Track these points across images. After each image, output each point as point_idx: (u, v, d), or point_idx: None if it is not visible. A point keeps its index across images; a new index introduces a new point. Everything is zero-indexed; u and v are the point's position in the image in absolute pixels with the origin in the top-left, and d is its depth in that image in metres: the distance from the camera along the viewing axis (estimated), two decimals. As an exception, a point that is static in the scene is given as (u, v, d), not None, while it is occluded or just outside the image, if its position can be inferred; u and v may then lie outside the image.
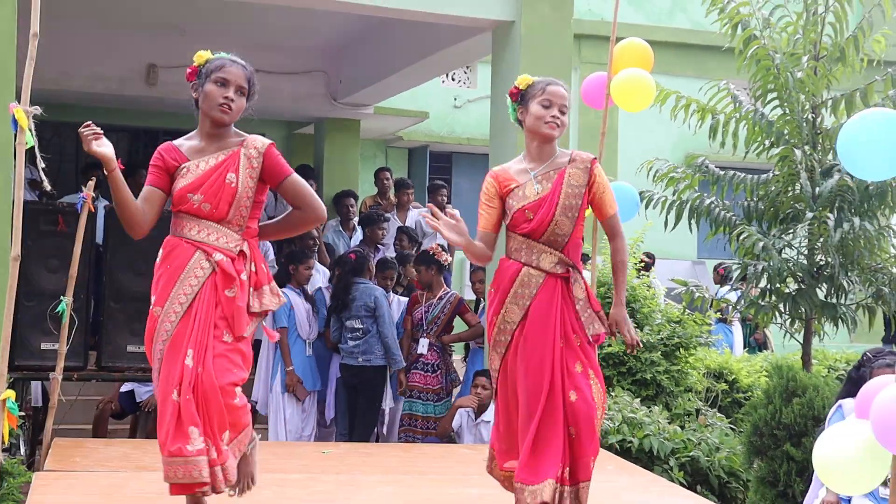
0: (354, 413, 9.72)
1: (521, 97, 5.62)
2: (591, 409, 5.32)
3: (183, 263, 5.05)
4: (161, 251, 5.17)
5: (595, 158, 5.64)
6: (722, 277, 13.94)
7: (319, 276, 10.52)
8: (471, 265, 13.66)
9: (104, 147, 4.98)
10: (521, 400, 5.36)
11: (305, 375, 9.66)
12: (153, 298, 5.09)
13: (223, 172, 5.10)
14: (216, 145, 5.17)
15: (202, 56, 5.20)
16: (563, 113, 5.54)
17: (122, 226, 8.47)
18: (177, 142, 5.21)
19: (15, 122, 5.43)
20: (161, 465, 4.98)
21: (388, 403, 9.82)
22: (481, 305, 10.51)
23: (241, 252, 5.14)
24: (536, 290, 5.40)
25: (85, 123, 5.03)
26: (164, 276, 5.09)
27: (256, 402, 9.63)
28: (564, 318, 5.41)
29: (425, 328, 9.93)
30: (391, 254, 11.86)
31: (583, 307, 5.45)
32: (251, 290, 5.16)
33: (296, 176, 5.24)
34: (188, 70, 5.22)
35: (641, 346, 5.47)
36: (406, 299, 10.41)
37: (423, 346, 9.87)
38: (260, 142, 5.20)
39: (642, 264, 11.46)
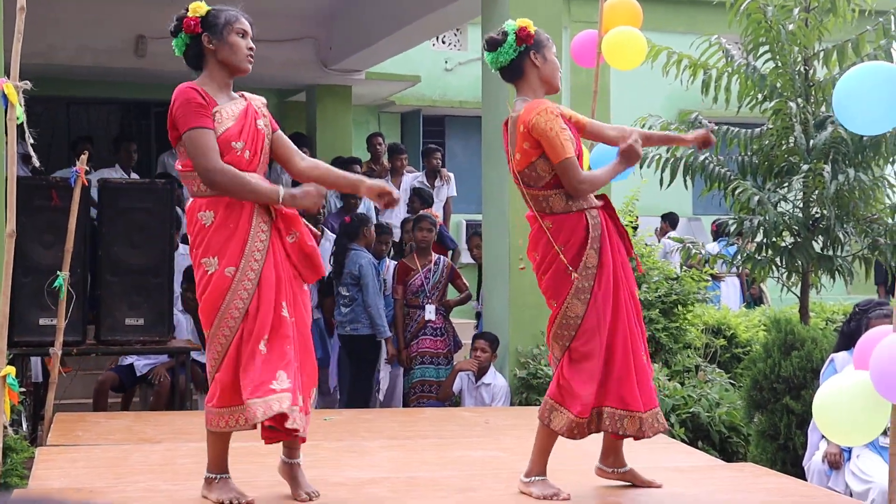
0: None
1: (535, 41, 5.54)
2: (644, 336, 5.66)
3: (248, 220, 5.02)
4: (209, 213, 5.03)
5: None
6: (715, 233, 13.95)
7: (329, 245, 10.48)
8: (467, 231, 13.67)
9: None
10: (620, 335, 5.44)
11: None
12: (214, 259, 4.99)
13: (253, 118, 5.15)
14: (227, 95, 5.18)
15: (202, 7, 5.15)
16: None
17: (115, 199, 8.57)
18: (195, 84, 5.13)
19: (5, 97, 5.42)
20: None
21: (384, 371, 9.82)
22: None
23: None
24: (601, 230, 5.46)
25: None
26: (228, 236, 5.01)
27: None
28: (621, 247, 5.56)
29: (428, 294, 9.89)
30: (402, 215, 11.87)
31: (623, 229, 5.67)
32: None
33: (280, 132, 5.33)
34: (189, 20, 5.11)
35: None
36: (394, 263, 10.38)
37: (430, 311, 9.84)
38: (258, 97, 5.30)
39: (639, 222, 11.44)
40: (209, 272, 5.02)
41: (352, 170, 12.30)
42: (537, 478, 5.52)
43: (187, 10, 5.15)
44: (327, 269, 9.46)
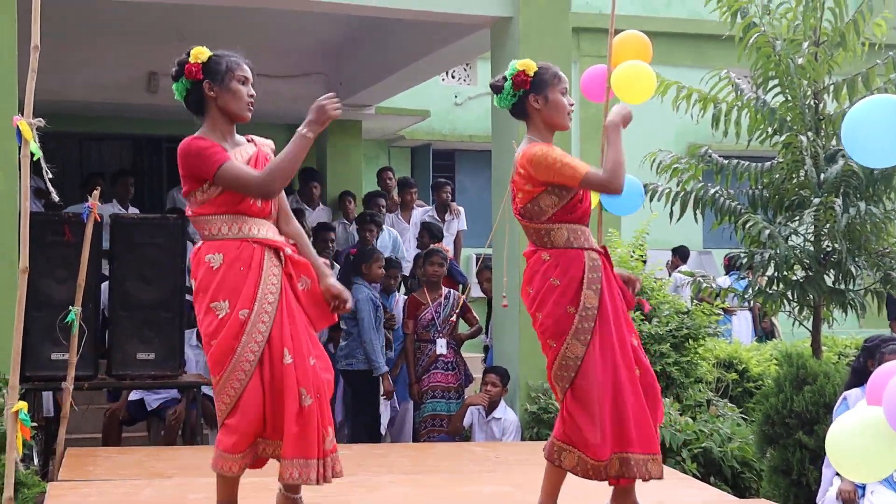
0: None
1: (533, 84, 5.53)
2: (654, 378, 5.56)
3: (259, 263, 5.01)
4: (219, 255, 5.03)
5: None
6: (728, 266, 13.95)
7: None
8: (477, 263, 13.68)
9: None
10: (616, 378, 5.37)
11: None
12: (224, 303, 4.98)
13: (263, 164, 5.15)
14: (232, 142, 5.19)
15: (203, 52, 5.14)
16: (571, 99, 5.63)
17: (127, 234, 8.59)
18: (199, 135, 5.14)
19: (19, 134, 5.44)
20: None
21: (384, 406, 9.75)
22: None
23: (293, 243, 5.24)
24: (601, 272, 5.42)
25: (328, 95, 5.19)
26: (238, 278, 5.00)
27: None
28: (620, 293, 5.52)
29: (439, 328, 9.88)
30: (412, 248, 11.92)
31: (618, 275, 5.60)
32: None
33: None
34: (190, 67, 5.11)
35: None
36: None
37: (441, 345, 9.83)
38: (268, 142, 5.35)
39: (648, 256, 11.43)
40: (220, 316, 4.98)
41: (376, 203, 12.37)
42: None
43: (188, 55, 5.13)
44: None
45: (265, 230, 5.11)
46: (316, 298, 5.18)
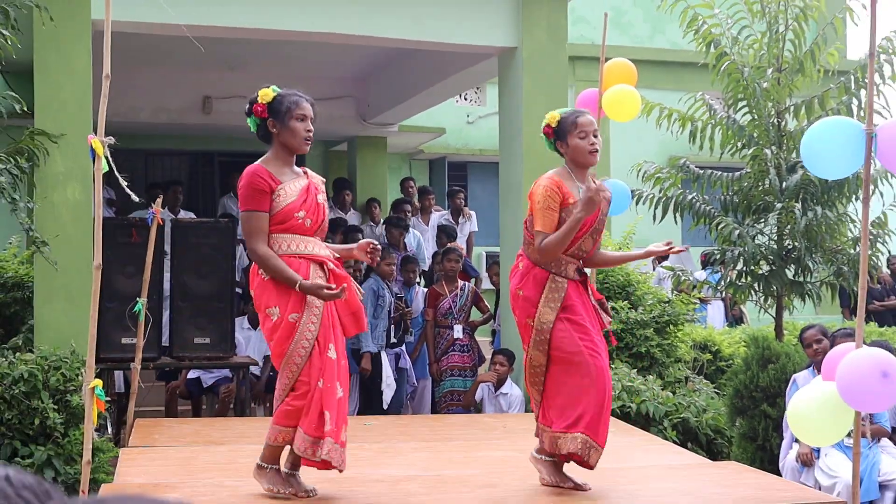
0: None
1: (556, 133, 5.54)
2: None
3: (305, 276, 5.03)
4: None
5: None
6: (704, 262, 13.92)
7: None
8: (487, 261, 13.71)
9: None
10: (582, 377, 5.30)
11: (351, 359, 9.65)
12: (276, 308, 5.01)
13: (315, 193, 5.18)
14: (291, 171, 5.22)
15: (269, 94, 5.16)
16: (596, 137, 5.51)
17: (185, 235, 8.64)
18: (262, 165, 5.16)
19: (93, 151, 5.49)
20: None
21: (387, 383, 9.66)
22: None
23: (337, 257, 5.24)
24: (563, 293, 5.36)
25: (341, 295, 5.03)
26: (285, 287, 5.02)
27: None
28: (595, 312, 5.48)
29: (456, 315, 9.94)
30: (431, 247, 11.93)
31: (598, 302, 5.55)
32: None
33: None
34: (257, 107, 5.17)
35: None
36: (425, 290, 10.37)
37: (458, 331, 9.88)
38: (318, 177, 5.34)
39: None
40: (273, 320, 5.05)
41: (403, 209, 12.39)
42: (547, 458, 5.52)
43: (258, 97, 5.18)
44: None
45: (311, 246, 5.14)
46: (351, 307, 5.22)
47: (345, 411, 5.18)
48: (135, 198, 5.94)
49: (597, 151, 5.49)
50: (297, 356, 5.03)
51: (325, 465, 5.11)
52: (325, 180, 5.40)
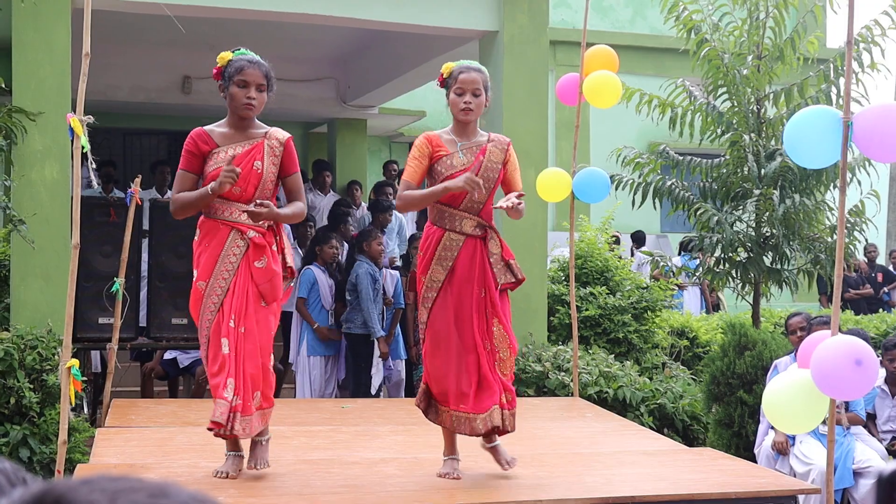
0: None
1: (445, 84, 5.46)
2: (493, 355, 5.35)
3: (221, 242, 5.08)
4: (198, 231, 5.19)
5: (510, 142, 5.55)
6: (681, 247, 13.99)
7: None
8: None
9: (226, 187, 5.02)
10: (453, 346, 5.29)
11: (328, 341, 9.68)
12: (195, 273, 5.12)
13: (251, 160, 5.13)
14: (243, 134, 5.20)
15: (224, 57, 5.20)
16: (476, 96, 5.35)
17: (163, 215, 8.59)
18: (207, 128, 5.21)
19: (71, 129, 5.45)
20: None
21: (376, 367, 9.69)
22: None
23: (270, 227, 5.19)
24: (457, 252, 5.34)
25: (234, 170, 5.00)
26: (204, 253, 5.11)
27: (292, 364, 9.70)
28: (485, 273, 5.38)
29: None
30: (411, 230, 11.92)
31: (496, 260, 5.40)
32: (280, 255, 5.23)
33: (299, 175, 5.30)
34: (213, 70, 5.24)
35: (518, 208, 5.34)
36: (396, 273, 10.27)
37: None
38: (281, 134, 5.25)
39: (614, 239, 11.47)
40: (193, 280, 5.15)
41: (384, 192, 12.36)
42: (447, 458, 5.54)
43: (217, 60, 5.23)
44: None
45: (238, 213, 5.11)
46: (269, 275, 5.16)
47: (248, 379, 5.09)
48: (95, 185, 5.92)
49: (469, 111, 5.34)
50: (205, 323, 5.07)
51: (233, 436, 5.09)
52: (287, 137, 5.25)
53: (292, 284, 5.56)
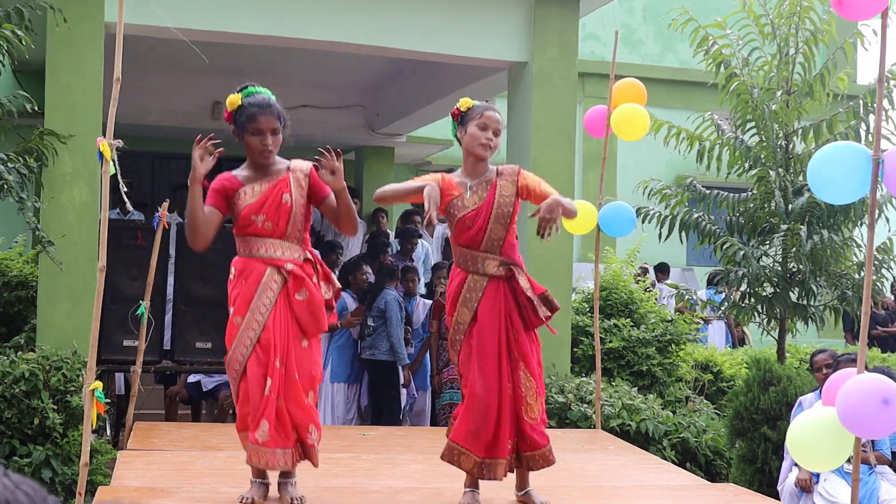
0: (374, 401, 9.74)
1: (461, 118, 5.42)
2: (519, 400, 5.28)
3: (257, 279, 5.01)
4: (233, 270, 5.11)
5: (520, 168, 5.50)
6: (708, 281, 13.92)
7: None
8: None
9: (205, 163, 4.99)
10: (479, 389, 5.23)
11: (353, 368, 9.67)
12: (231, 310, 5.04)
13: (279, 193, 5.09)
14: (265, 172, 5.16)
15: (233, 102, 5.13)
16: (496, 135, 5.36)
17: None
18: (233, 172, 5.19)
19: (100, 153, 5.48)
20: (237, 446, 5.04)
21: (404, 394, 9.70)
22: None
23: (307, 259, 5.17)
24: (481, 293, 5.29)
25: (209, 137, 5.01)
26: (241, 291, 5.03)
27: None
28: (510, 314, 5.33)
29: None
30: (436, 258, 11.92)
31: (532, 294, 5.33)
32: (322, 282, 5.18)
33: (332, 196, 5.17)
34: (224, 114, 5.17)
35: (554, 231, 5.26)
36: (429, 302, 10.31)
37: None
38: (304, 164, 5.19)
39: (640, 271, 11.45)
40: (230, 316, 5.06)
41: (412, 219, 12.37)
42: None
43: (226, 103, 5.16)
44: None
45: (273, 249, 5.07)
46: (311, 307, 5.11)
47: (300, 422, 5.06)
48: (129, 207, 5.95)
49: (489, 147, 5.32)
50: (235, 362, 5.00)
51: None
52: (310, 167, 5.16)
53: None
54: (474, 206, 5.32)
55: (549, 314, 5.40)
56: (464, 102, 5.44)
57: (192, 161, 4.98)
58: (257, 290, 5.01)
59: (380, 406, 9.71)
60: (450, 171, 5.48)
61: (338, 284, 5.36)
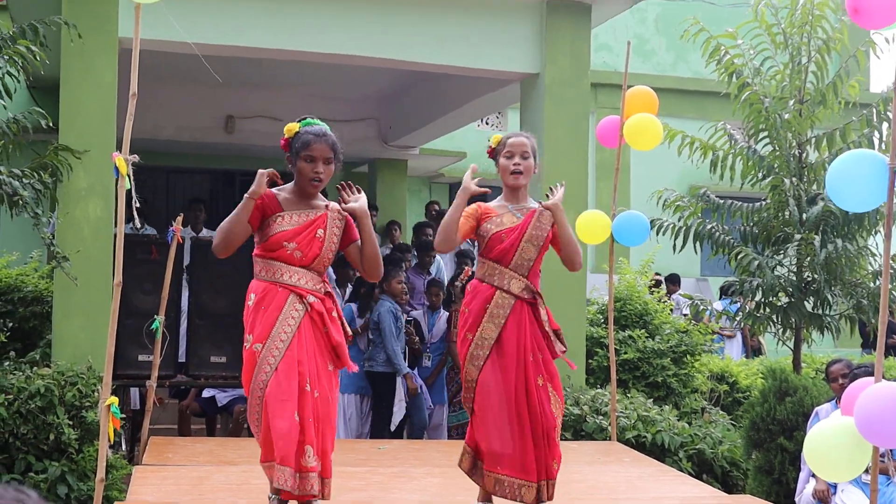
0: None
1: (494, 152, 5.60)
2: (550, 421, 5.30)
3: (280, 305, 5.00)
4: (252, 295, 5.08)
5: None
6: (722, 291, 13.87)
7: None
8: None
9: (264, 187, 5.05)
10: (499, 407, 5.24)
11: (362, 381, 9.65)
12: (250, 337, 5.00)
13: (314, 228, 5.12)
14: (307, 203, 5.17)
15: (291, 129, 5.16)
16: (524, 158, 5.47)
17: (206, 254, 8.63)
18: (275, 190, 5.18)
19: (116, 168, 5.50)
20: (253, 461, 5.00)
21: (398, 405, 9.58)
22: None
23: (328, 293, 5.17)
24: (509, 311, 5.34)
25: (271, 171, 5.07)
26: (261, 316, 5.01)
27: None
28: (534, 337, 5.37)
29: None
30: (450, 272, 11.87)
31: (548, 327, 5.42)
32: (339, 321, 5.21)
33: (360, 242, 5.24)
34: (281, 141, 5.19)
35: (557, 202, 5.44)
36: (445, 313, 10.25)
37: None
38: (340, 211, 5.23)
39: (653, 283, 11.42)
40: (246, 347, 5.02)
41: (425, 231, 12.33)
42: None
43: (284, 132, 5.20)
44: None
45: (297, 277, 5.08)
46: (332, 342, 5.11)
47: (328, 447, 5.05)
48: (137, 223, 5.96)
49: (519, 173, 5.46)
50: (257, 388, 4.95)
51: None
52: (344, 215, 5.23)
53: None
54: (511, 225, 5.44)
55: (564, 349, 5.46)
56: (494, 139, 5.61)
57: (257, 177, 5.02)
58: (279, 317, 5.01)
59: (376, 416, 9.66)
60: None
61: (349, 330, 5.35)
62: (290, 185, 5.23)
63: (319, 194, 5.26)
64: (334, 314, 5.15)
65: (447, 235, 5.37)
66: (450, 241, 5.40)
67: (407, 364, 9.56)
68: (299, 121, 5.23)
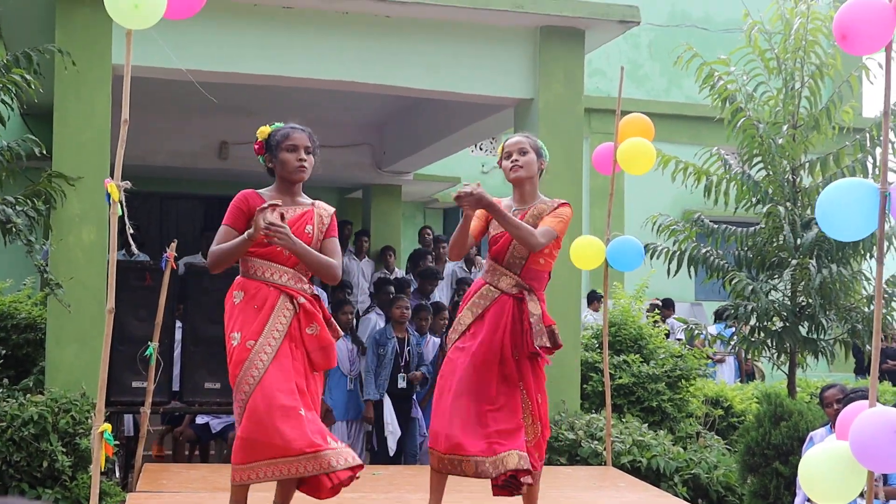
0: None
1: (500, 163, 5.74)
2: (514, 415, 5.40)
3: (272, 304, 5.07)
4: (241, 293, 5.14)
5: (565, 203, 5.66)
6: (716, 316, 13.88)
7: (381, 321, 10.46)
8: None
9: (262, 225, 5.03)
10: (462, 388, 5.35)
11: (349, 406, 9.63)
12: (238, 334, 5.06)
13: (303, 224, 5.19)
14: (292, 199, 5.26)
15: (264, 131, 5.31)
16: (521, 154, 5.60)
17: (200, 280, 8.62)
18: (259, 191, 5.27)
19: (108, 194, 5.51)
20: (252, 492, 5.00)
21: (390, 431, 9.50)
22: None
23: (315, 295, 5.23)
24: (490, 302, 5.49)
25: (273, 205, 5.07)
26: (251, 314, 5.07)
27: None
28: (513, 330, 5.44)
29: None
30: (445, 297, 11.87)
31: (536, 321, 5.45)
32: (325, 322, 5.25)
33: (336, 239, 5.33)
34: (255, 145, 5.32)
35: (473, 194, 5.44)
36: (438, 340, 10.23)
37: None
38: (328, 207, 5.37)
39: (651, 307, 11.43)
40: (234, 344, 5.07)
41: (423, 259, 12.34)
42: None
43: (258, 136, 5.32)
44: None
45: (286, 277, 5.14)
46: (322, 343, 5.19)
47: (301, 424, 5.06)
48: (134, 250, 5.99)
49: (518, 168, 5.60)
50: (245, 384, 5.00)
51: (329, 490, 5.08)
52: (332, 211, 5.36)
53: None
54: None
55: (549, 346, 5.45)
56: (499, 150, 5.75)
57: (255, 220, 5.00)
58: (270, 317, 5.07)
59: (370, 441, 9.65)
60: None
61: (339, 331, 5.39)
62: (271, 186, 5.30)
63: (303, 193, 5.34)
64: (321, 317, 5.20)
65: (458, 240, 5.52)
66: (461, 245, 5.53)
67: (404, 388, 9.55)
68: (268, 125, 5.35)
